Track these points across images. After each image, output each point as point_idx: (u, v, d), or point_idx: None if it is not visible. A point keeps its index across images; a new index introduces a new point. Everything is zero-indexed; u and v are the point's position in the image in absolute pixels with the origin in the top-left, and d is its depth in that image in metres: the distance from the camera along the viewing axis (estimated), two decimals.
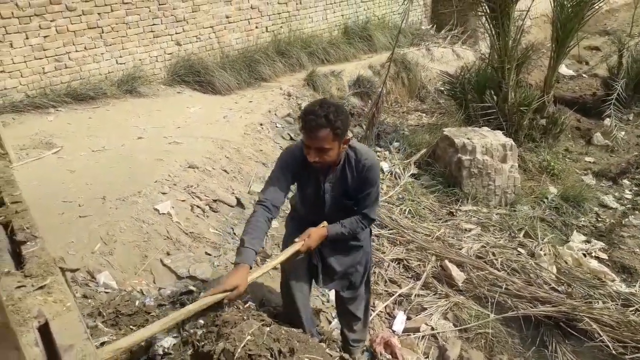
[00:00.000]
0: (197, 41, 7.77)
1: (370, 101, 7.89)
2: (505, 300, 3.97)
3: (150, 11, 7.07)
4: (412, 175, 6.07)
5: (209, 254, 3.86)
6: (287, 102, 7.31)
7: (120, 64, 6.92)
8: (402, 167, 6.17)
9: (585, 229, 5.49)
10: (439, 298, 4.06)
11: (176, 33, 7.47)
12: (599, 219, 5.75)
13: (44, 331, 1.04)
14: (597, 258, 4.89)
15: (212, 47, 7.98)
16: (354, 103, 8.13)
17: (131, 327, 2.40)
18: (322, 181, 2.55)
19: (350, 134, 2.48)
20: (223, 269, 3.69)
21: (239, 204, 4.64)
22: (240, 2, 8.22)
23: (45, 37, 6.06)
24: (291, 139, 6.36)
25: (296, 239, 2.52)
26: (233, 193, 4.75)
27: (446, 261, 4.34)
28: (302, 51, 8.70)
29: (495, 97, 7.18)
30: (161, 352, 2.05)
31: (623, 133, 7.90)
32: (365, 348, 3.38)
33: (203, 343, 2.01)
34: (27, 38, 5.91)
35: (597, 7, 7.00)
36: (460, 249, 4.60)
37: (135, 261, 3.46)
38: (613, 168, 7.02)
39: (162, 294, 3.06)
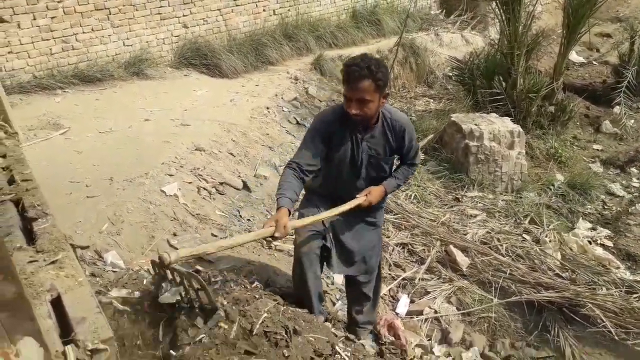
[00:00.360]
0: (204, 24, 7.73)
1: None
2: (509, 286, 3.99)
3: None
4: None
5: (215, 236, 3.89)
6: (294, 86, 7.28)
7: (127, 45, 6.90)
8: None
9: (591, 217, 5.48)
10: (442, 282, 4.09)
11: (183, 15, 7.43)
12: (606, 207, 5.74)
13: (57, 304, 1.06)
14: (603, 245, 4.89)
15: (219, 30, 7.94)
16: None
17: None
18: (359, 140, 2.57)
19: (389, 90, 2.52)
20: (230, 251, 3.72)
21: (245, 187, 4.66)
22: None
23: (52, 18, 6.04)
24: (297, 123, 6.35)
25: (357, 195, 2.60)
26: (239, 176, 4.77)
27: (451, 246, 4.36)
28: (309, 35, 8.63)
29: (503, 84, 7.12)
30: None
31: (632, 121, 7.82)
32: (369, 330, 3.42)
33: None
34: (34, 19, 5.89)
35: None
36: (465, 235, 4.61)
37: (142, 241, 3.50)
38: (621, 156, 6.97)
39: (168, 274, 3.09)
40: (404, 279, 4.10)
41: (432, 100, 8.58)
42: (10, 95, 5.55)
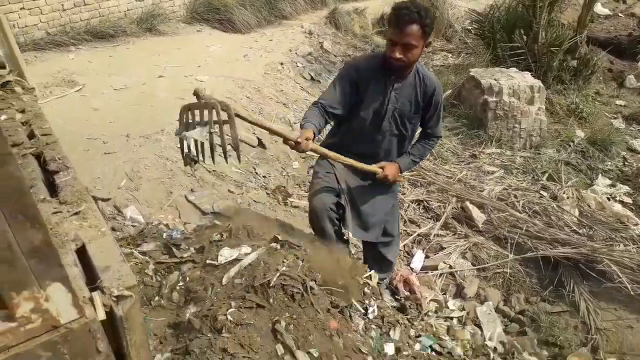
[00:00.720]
0: None
1: None
2: (525, 242, 3.98)
3: None
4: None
5: (232, 192, 3.92)
6: (308, 41, 7.14)
7: (139, 1, 6.79)
8: None
9: (611, 173, 5.40)
10: (458, 238, 4.10)
11: None
12: (626, 163, 5.63)
13: (82, 254, 1.09)
14: (621, 202, 4.83)
15: None
16: (377, 42, 7.90)
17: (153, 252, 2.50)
18: (389, 90, 2.54)
19: (431, 39, 2.49)
20: (246, 206, 3.76)
21: (260, 144, 4.62)
22: None
23: None
24: (312, 78, 6.26)
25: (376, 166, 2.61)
26: (254, 133, 4.74)
27: (467, 202, 4.34)
28: None
29: (524, 37, 6.89)
30: None
31: None
32: (385, 285, 3.47)
33: None
34: None
35: None
36: (481, 191, 4.59)
37: (160, 197, 3.55)
38: None
39: (187, 229, 3.15)
40: (419, 235, 4.12)
41: (450, 55, 8.36)
42: (24, 52, 5.53)
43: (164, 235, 2.72)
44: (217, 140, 2.16)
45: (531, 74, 6.05)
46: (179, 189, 3.65)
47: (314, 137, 2.36)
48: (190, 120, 2.14)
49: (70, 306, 0.86)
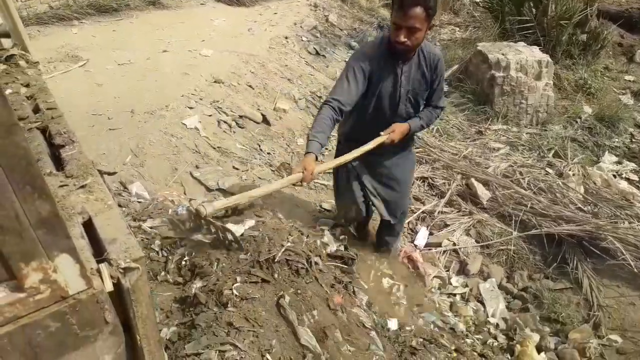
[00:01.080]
0: None
1: None
2: (530, 219, 3.99)
3: None
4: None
5: (237, 169, 3.92)
6: (314, 14, 7.03)
7: None
8: None
9: (618, 150, 5.36)
10: (462, 215, 4.10)
11: None
12: (634, 140, 5.58)
13: (88, 226, 1.10)
14: (628, 179, 4.81)
15: None
16: (384, 15, 7.77)
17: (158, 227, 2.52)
18: (399, 74, 2.57)
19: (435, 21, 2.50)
20: (251, 183, 3.77)
21: (265, 120, 4.63)
22: None
23: None
24: (317, 53, 6.19)
25: (381, 133, 2.64)
26: (259, 109, 4.73)
27: (472, 179, 4.33)
28: None
29: (534, 10, 6.76)
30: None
31: None
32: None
33: None
34: None
35: None
36: (487, 168, 4.57)
37: (165, 173, 3.55)
38: None
39: (193, 205, 3.16)
40: (423, 212, 4.12)
41: (457, 29, 8.23)
42: (27, 27, 5.49)
43: (170, 211, 2.73)
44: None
45: (539, 49, 5.96)
46: (184, 166, 3.65)
47: (317, 158, 2.39)
48: (199, 225, 2.32)
49: (78, 277, 0.87)
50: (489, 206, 4.18)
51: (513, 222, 3.98)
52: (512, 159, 4.80)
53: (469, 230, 4.01)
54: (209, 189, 3.57)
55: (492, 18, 7.57)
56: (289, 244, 2.28)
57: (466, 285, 3.58)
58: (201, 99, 4.38)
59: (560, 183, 4.42)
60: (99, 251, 1.04)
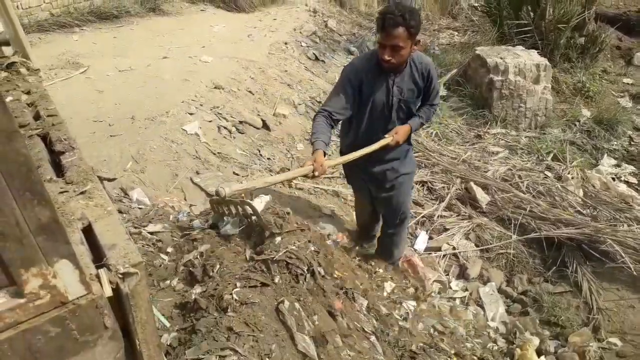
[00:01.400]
0: None
1: None
2: (529, 222, 4.00)
3: None
4: (441, 97, 5.94)
5: (237, 174, 3.94)
6: (313, 20, 7.07)
7: None
8: None
9: (616, 153, 5.37)
10: (461, 219, 4.11)
11: None
12: (632, 143, 5.60)
13: (88, 232, 1.11)
14: (627, 182, 4.82)
15: None
16: None
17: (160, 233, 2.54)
18: (390, 85, 2.69)
19: (420, 37, 2.66)
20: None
21: (265, 125, 4.66)
22: None
23: None
24: (316, 58, 6.22)
25: (385, 136, 2.76)
26: (259, 115, 4.75)
27: (471, 183, 4.34)
28: None
29: (532, 14, 6.79)
30: None
31: None
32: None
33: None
34: None
35: None
36: (486, 172, 4.58)
37: (166, 179, 3.57)
38: None
39: (193, 211, 3.18)
40: (422, 216, 4.13)
41: (456, 33, 8.27)
42: (29, 34, 5.53)
43: (170, 217, 2.74)
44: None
45: (538, 52, 5.99)
46: (184, 172, 3.67)
47: (325, 154, 2.53)
48: (221, 211, 2.43)
49: (78, 282, 0.88)
50: (488, 210, 4.19)
51: (512, 225, 3.99)
52: (511, 163, 4.82)
53: (469, 234, 4.02)
54: (209, 195, 3.58)
55: (490, 22, 7.60)
56: (293, 247, 2.29)
57: (466, 289, 3.58)
58: (201, 105, 4.41)
59: (559, 186, 4.43)
60: (98, 257, 1.05)
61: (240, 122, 4.49)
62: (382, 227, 3.46)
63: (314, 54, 6.27)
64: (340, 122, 2.81)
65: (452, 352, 2.78)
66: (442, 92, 6.00)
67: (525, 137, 5.43)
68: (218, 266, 2.18)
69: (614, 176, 4.87)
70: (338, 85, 2.74)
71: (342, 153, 3.07)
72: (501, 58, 5.63)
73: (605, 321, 3.32)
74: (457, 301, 3.48)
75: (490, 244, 3.90)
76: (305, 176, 2.51)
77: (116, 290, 0.98)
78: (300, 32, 6.61)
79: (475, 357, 2.87)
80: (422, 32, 8.02)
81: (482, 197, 4.25)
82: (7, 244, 0.77)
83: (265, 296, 2.02)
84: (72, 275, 0.87)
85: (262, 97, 5.04)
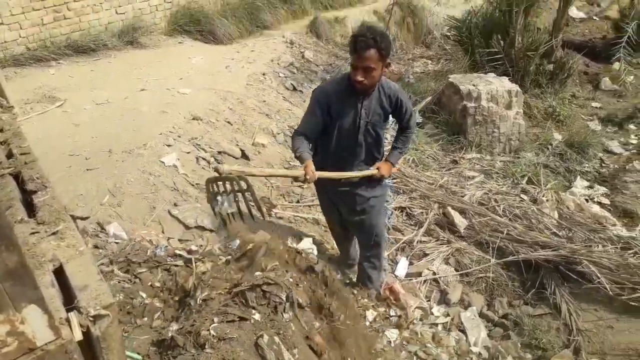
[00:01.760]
0: None
1: None
2: (507, 246, 4.05)
3: None
4: (417, 124, 6.05)
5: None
6: (290, 51, 7.19)
7: (120, 14, 6.79)
8: None
9: (588, 175, 5.52)
10: (440, 244, 4.15)
11: None
12: (603, 165, 5.76)
13: (59, 273, 1.10)
14: (599, 203, 4.93)
15: None
16: None
17: (141, 273, 2.51)
18: (359, 108, 2.80)
19: (395, 67, 2.77)
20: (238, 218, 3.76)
21: (244, 155, 4.67)
22: None
23: None
24: (294, 88, 6.30)
25: (370, 168, 2.97)
26: (237, 145, 4.77)
27: (449, 208, 4.40)
28: None
29: (502, 42, 7.02)
30: None
31: (632, 77, 7.74)
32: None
33: None
34: None
35: None
36: (463, 196, 4.65)
37: (143, 212, 3.54)
38: (620, 113, 6.95)
39: (171, 244, 3.15)
40: (403, 242, 4.16)
41: (430, 62, 8.48)
42: (4, 68, 5.50)
43: (148, 252, 2.72)
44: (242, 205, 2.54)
45: (509, 79, 6.17)
46: (162, 204, 3.64)
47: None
48: (216, 190, 2.52)
49: (47, 328, 0.87)
50: (466, 234, 4.24)
51: (490, 249, 4.04)
52: (487, 187, 4.90)
53: (448, 258, 4.05)
54: (187, 227, 3.56)
55: (462, 51, 7.83)
56: (271, 273, 2.29)
57: (447, 315, 3.59)
58: (179, 137, 4.41)
59: (534, 209, 4.52)
60: (69, 298, 1.04)
61: (219, 153, 4.50)
62: (359, 251, 3.50)
63: (291, 84, 6.35)
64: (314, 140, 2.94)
65: None
66: (418, 119, 6.12)
67: (500, 161, 5.55)
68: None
69: (587, 197, 4.99)
70: (309, 108, 2.88)
71: None
72: (474, 85, 5.79)
73: (585, 342, 3.35)
74: (439, 327, 3.48)
75: (470, 268, 3.93)
76: (296, 179, 2.67)
77: (87, 333, 0.97)
78: (278, 63, 6.71)
79: None
80: (397, 62, 8.23)
81: (460, 221, 4.30)
82: None
83: (244, 331, 2.00)
84: (41, 320, 0.86)
85: (241, 127, 5.07)
